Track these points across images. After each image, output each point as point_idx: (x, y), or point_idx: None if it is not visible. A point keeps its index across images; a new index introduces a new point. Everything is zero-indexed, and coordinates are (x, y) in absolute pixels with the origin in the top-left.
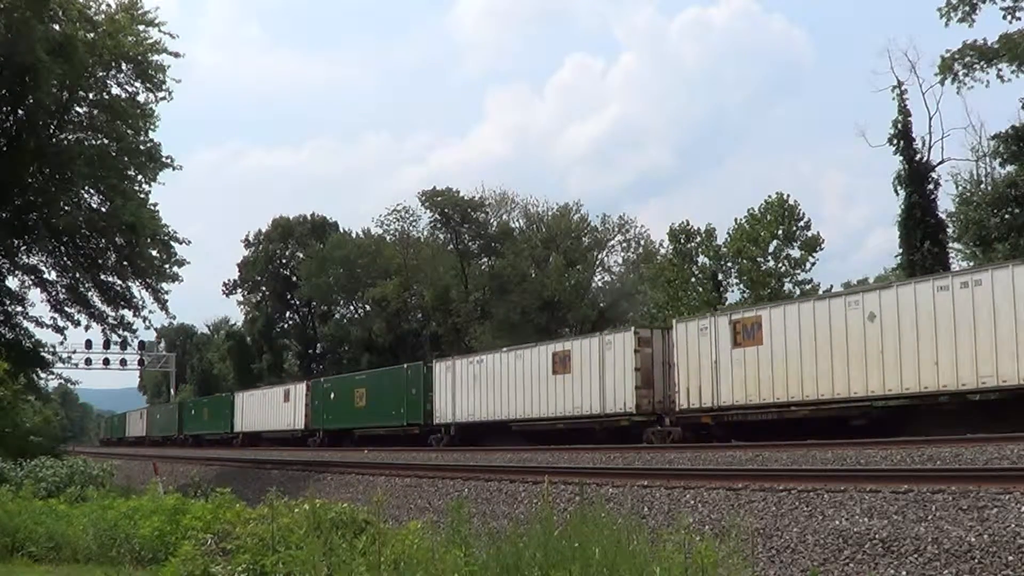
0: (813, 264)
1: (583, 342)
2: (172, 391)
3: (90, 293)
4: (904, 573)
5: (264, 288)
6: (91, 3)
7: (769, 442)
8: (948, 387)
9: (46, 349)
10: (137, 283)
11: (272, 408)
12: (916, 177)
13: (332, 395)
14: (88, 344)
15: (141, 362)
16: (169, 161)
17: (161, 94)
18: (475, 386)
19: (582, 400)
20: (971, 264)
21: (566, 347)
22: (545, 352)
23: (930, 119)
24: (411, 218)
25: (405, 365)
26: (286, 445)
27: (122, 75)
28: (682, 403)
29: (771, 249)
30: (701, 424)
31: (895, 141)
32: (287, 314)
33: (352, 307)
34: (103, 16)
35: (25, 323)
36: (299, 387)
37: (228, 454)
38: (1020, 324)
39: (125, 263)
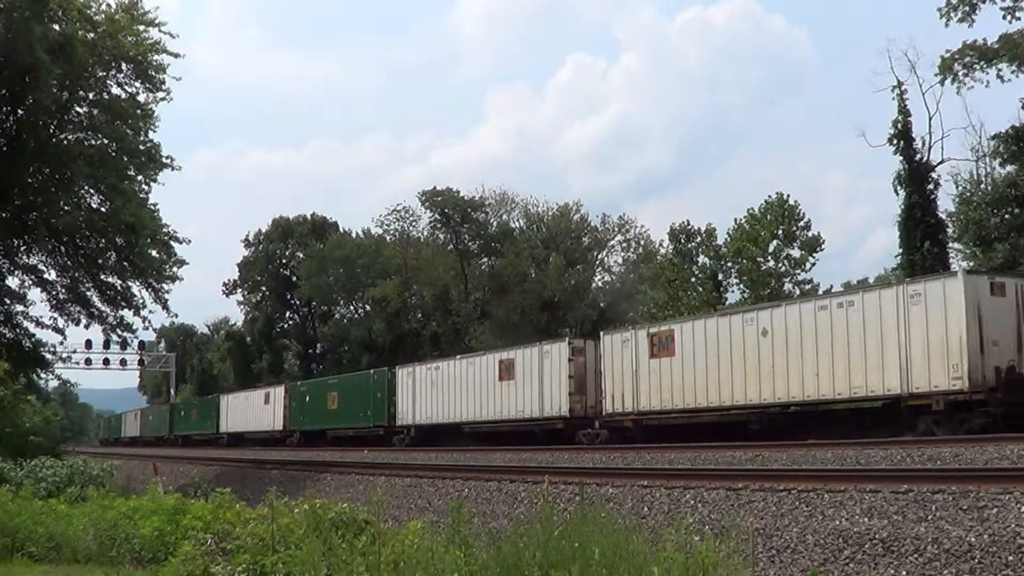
0: (813, 264)
1: (525, 351)
2: (172, 391)
3: (90, 293)
4: (904, 573)
5: (264, 288)
6: (91, 3)
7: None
8: (826, 396)
9: (46, 349)
10: (137, 283)
11: (254, 410)
12: (916, 177)
13: (307, 398)
14: (88, 344)
15: (141, 362)
16: (169, 161)
17: (161, 94)
18: (432, 391)
19: (524, 404)
20: (971, 264)
21: (511, 356)
22: (493, 360)
23: (930, 119)
24: (411, 218)
25: (372, 371)
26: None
27: (122, 75)
28: (608, 408)
29: (771, 249)
30: (624, 427)
31: (895, 141)
32: (287, 314)
33: (352, 307)
34: (103, 16)
35: (25, 323)
36: (278, 390)
37: (228, 454)
38: (885, 342)
39: (125, 263)
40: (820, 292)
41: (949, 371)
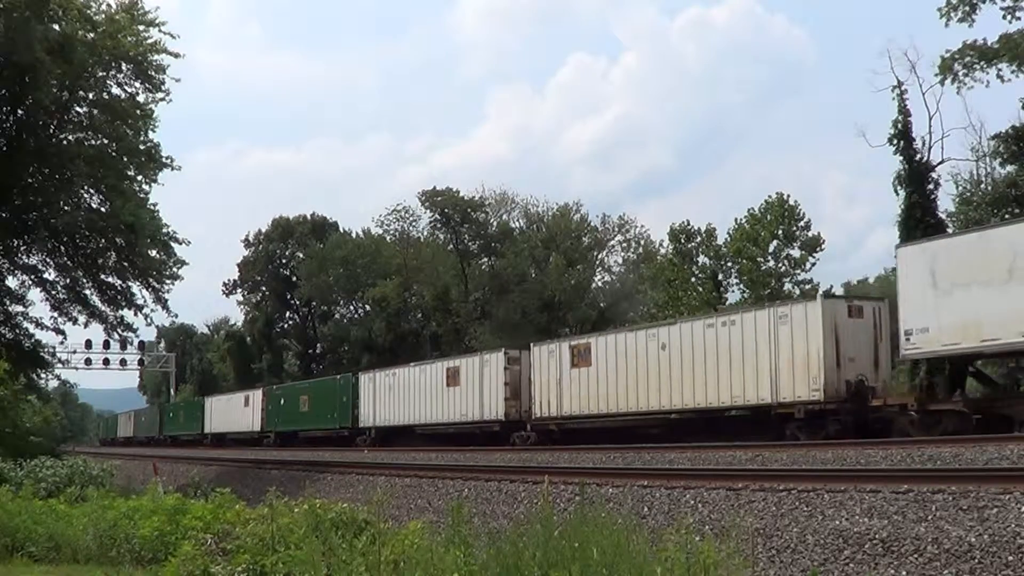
0: (813, 264)
1: (468, 360)
2: (172, 391)
3: (89, 293)
4: (904, 573)
5: (264, 288)
6: (91, 3)
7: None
8: (713, 404)
9: (46, 349)
10: (137, 283)
11: (235, 412)
12: (916, 177)
13: (282, 401)
14: (88, 344)
15: (141, 362)
16: (168, 161)
17: (160, 94)
18: (390, 395)
19: (467, 408)
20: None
21: (456, 364)
22: (441, 368)
23: (930, 119)
24: (411, 218)
25: (339, 376)
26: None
27: (122, 75)
28: (537, 412)
29: (771, 249)
30: (550, 430)
31: (895, 141)
32: (287, 314)
33: (352, 307)
34: (103, 16)
35: (25, 324)
36: (256, 393)
37: (228, 454)
38: (759, 357)
39: (125, 263)
40: (820, 292)
41: (809, 383)
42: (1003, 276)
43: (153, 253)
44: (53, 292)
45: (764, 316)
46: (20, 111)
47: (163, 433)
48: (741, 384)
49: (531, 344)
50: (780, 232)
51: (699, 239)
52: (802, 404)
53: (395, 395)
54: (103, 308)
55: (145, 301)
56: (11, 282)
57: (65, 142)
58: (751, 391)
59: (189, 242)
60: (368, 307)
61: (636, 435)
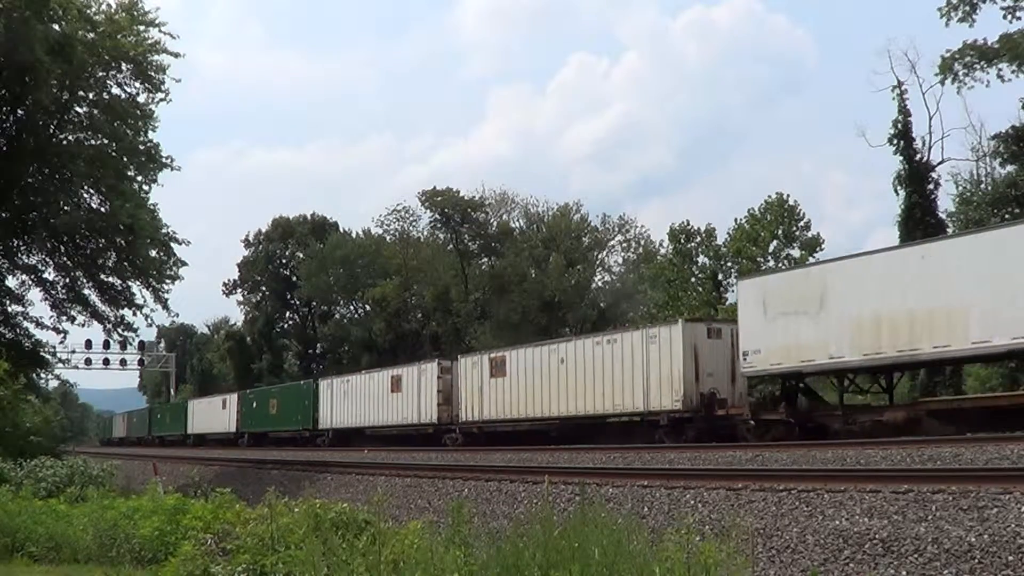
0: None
1: (409, 368)
2: (172, 391)
3: (89, 292)
4: (904, 573)
5: (264, 288)
6: (91, 3)
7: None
8: (600, 412)
9: (46, 349)
10: (137, 283)
11: (214, 414)
12: (916, 177)
13: (254, 404)
14: (88, 344)
15: (141, 362)
16: (168, 161)
17: (160, 95)
18: (345, 400)
19: (407, 412)
20: None
21: (399, 372)
22: (386, 376)
23: (930, 119)
24: (411, 218)
25: (302, 381)
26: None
27: (122, 75)
28: (463, 416)
29: (771, 249)
30: (473, 432)
31: (895, 141)
32: (287, 314)
33: (352, 307)
34: (103, 16)
35: (25, 323)
36: (233, 397)
37: (228, 454)
38: (635, 372)
39: (125, 263)
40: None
41: (672, 395)
42: (816, 307)
43: (153, 253)
44: (53, 292)
45: (639, 336)
46: (20, 111)
47: (152, 434)
48: (621, 395)
49: (459, 356)
50: (780, 232)
51: (699, 239)
52: (666, 413)
53: (349, 400)
54: (103, 308)
55: (145, 301)
56: (11, 282)
57: (65, 142)
58: (628, 401)
59: (189, 242)
60: (368, 307)
61: (544, 437)
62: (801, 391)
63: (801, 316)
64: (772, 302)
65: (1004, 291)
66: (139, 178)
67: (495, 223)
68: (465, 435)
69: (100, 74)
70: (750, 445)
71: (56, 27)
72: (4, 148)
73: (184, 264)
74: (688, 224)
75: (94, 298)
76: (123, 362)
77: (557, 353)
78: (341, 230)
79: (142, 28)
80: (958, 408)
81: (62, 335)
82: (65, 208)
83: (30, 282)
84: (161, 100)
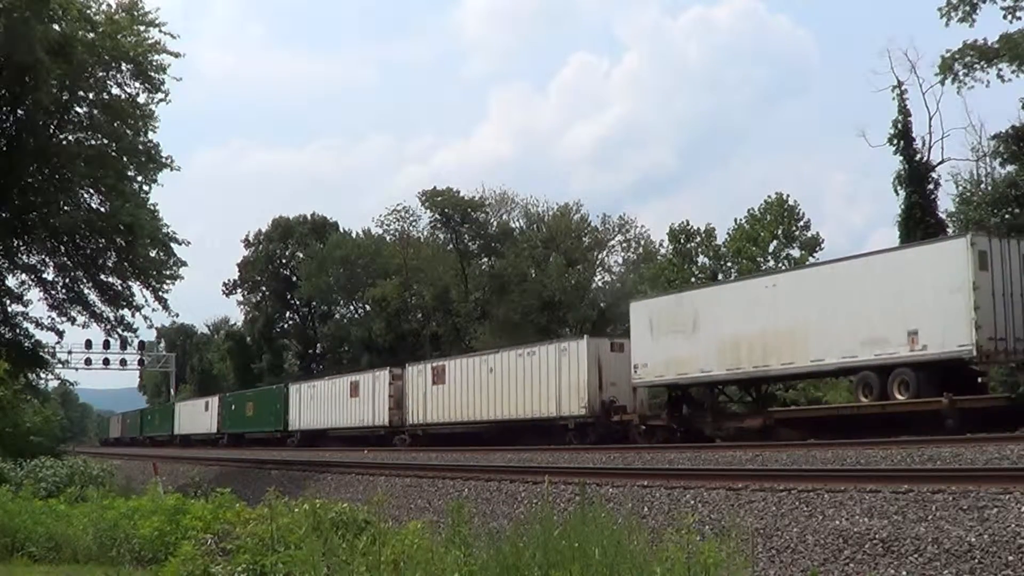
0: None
1: (366, 375)
2: (172, 391)
3: (89, 292)
4: (904, 573)
5: (264, 288)
6: (91, 3)
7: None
8: (521, 416)
9: (45, 349)
10: (137, 283)
11: (198, 415)
12: (916, 177)
13: (233, 406)
14: (88, 344)
15: (141, 362)
16: (168, 161)
17: (160, 95)
18: (311, 404)
19: (364, 415)
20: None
21: (357, 379)
22: (346, 382)
23: (930, 119)
24: (411, 218)
25: (275, 386)
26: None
27: (121, 75)
28: (409, 420)
29: (771, 249)
30: (418, 434)
31: (895, 141)
32: (287, 314)
33: (352, 307)
34: (103, 16)
35: (25, 324)
36: (214, 399)
37: (228, 454)
38: (549, 381)
39: (125, 263)
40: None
41: (579, 402)
42: (691, 328)
43: (153, 253)
44: (53, 292)
45: (553, 349)
46: (20, 111)
47: (143, 434)
48: (538, 401)
49: (407, 364)
50: (780, 232)
51: (699, 239)
52: (573, 418)
53: (315, 404)
54: (103, 308)
55: (146, 301)
56: (11, 281)
57: (65, 142)
58: (544, 407)
59: (188, 242)
60: (368, 307)
61: (478, 438)
62: (684, 400)
63: (679, 335)
64: (657, 322)
65: (834, 317)
66: (139, 178)
67: (495, 223)
68: (412, 436)
69: (100, 74)
70: (751, 445)
71: (56, 27)
72: (4, 148)
73: (184, 264)
74: (688, 224)
75: (94, 298)
76: (123, 362)
77: (487, 363)
78: (341, 230)
79: (142, 28)
80: (803, 416)
81: (61, 335)
82: (65, 208)
83: (30, 282)
84: (161, 100)
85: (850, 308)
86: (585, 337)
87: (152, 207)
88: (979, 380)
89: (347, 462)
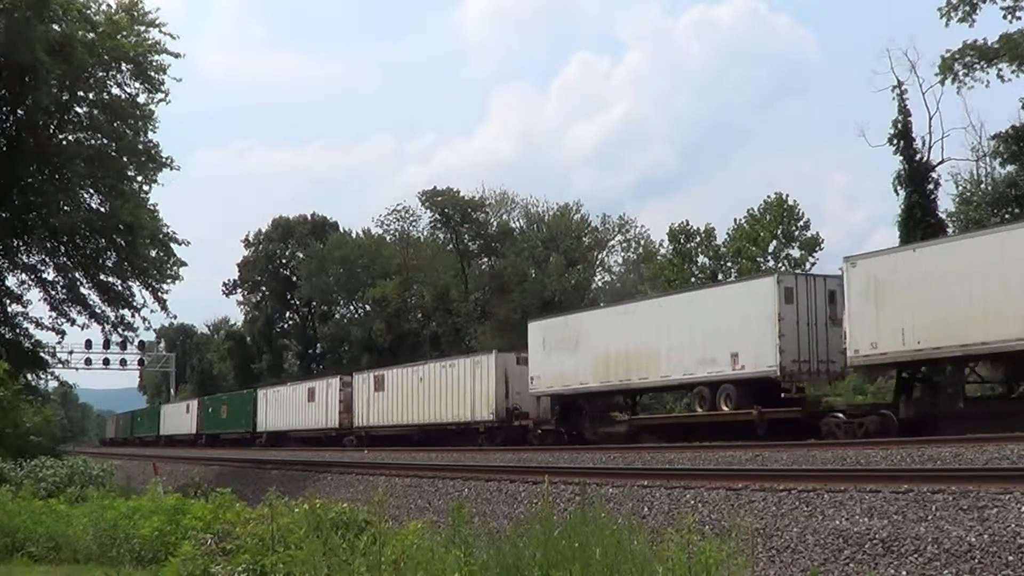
0: (813, 264)
1: (320, 382)
2: (172, 391)
3: (88, 292)
4: (904, 573)
5: (264, 288)
6: (91, 3)
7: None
8: (444, 420)
9: (45, 349)
10: (137, 283)
11: (180, 417)
12: (916, 177)
13: (210, 409)
14: (88, 344)
15: (141, 362)
16: (168, 161)
17: (159, 95)
18: (276, 407)
19: (318, 418)
20: None
21: (313, 385)
22: (304, 388)
23: (930, 119)
24: (411, 218)
25: (245, 391)
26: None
27: (121, 75)
28: (356, 423)
29: (771, 249)
30: (362, 435)
31: (895, 141)
32: (287, 314)
33: (352, 307)
34: (103, 17)
35: (25, 324)
36: (194, 402)
37: (228, 454)
38: (466, 390)
39: (125, 263)
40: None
41: (488, 409)
42: (574, 346)
43: (153, 253)
44: (52, 292)
45: (469, 363)
46: (20, 111)
47: (133, 435)
48: (456, 407)
49: (354, 373)
50: (779, 232)
51: (698, 239)
52: (484, 422)
53: (279, 407)
54: (103, 308)
55: (145, 302)
56: (11, 281)
57: (65, 142)
58: (461, 412)
59: (188, 242)
60: (368, 307)
61: (409, 440)
62: (572, 407)
63: (565, 352)
64: (548, 341)
65: (678, 340)
66: (139, 178)
67: (495, 223)
68: (358, 438)
69: (100, 74)
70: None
71: (56, 27)
72: (4, 148)
73: (184, 264)
74: (688, 224)
75: (94, 298)
76: (123, 362)
77: (418, 374)
78: (341, 230)
79: (142, 28)
80: (656, 423)
81: (62, 335)
82: (65, 208)
83: (30, 282)
84: (161, 100)
85: (690, 333)
86: (494, 352)
87: (152, 207)
88: (782, 395)
89: (347, 462)
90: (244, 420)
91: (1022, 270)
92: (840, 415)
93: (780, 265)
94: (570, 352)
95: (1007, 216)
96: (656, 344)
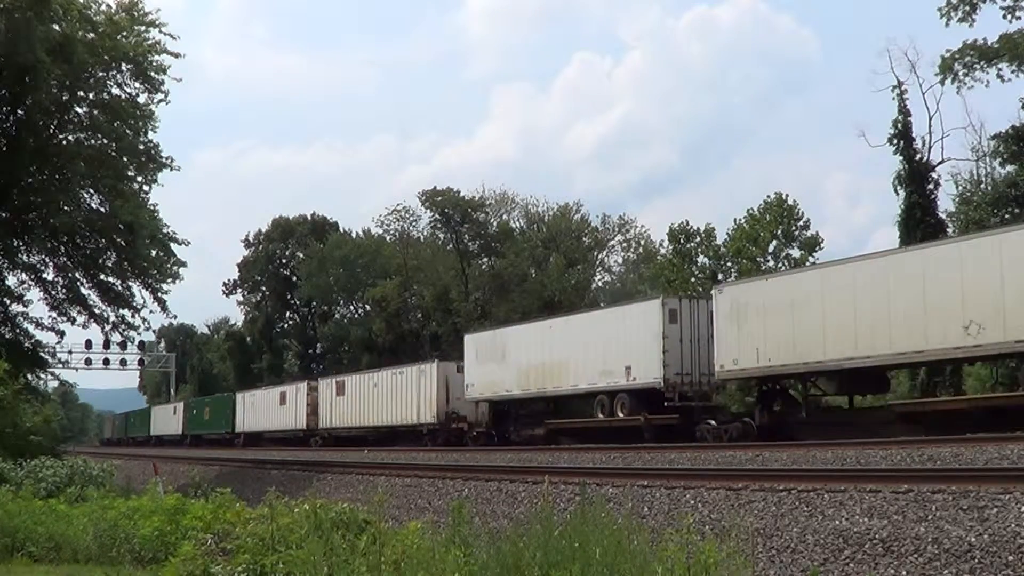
0: (813, 264)
1: (290, 387)
2: (172, 391)
3: (88, 292)
4: (904, 573)
5: (264, 288)
6: (91, 3)
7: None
8: (395, 423)
9: (45, 349)
10: (137, 283)
11: (168, 419)
12: (916, 177)
13: (194, 411)
14: (88, 344)
15: (141, 362)
16: (168, 161)
17: (159, 96)
18: (252, 410)
19: (288, 420)
20: None
21: (284, 389)
22: (277, 392)
23: (930, 119)
24: (411, 218)
25: (226, 394)
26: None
27: (121, 75)
28: (322, 424)
29: (771, 249)
30: (325, 436)
31: (895, 141)
32: (287, 314)
33: (352, 307)
34: (103, 17)
35: (25, 324)
36: (180, 405)
37: (228, 454)
38: (411, 396)
39: (125, 263)
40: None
41: (431, 412)
42: (501, 358)
43: (153, 253)
44: (52, 292)
45: (415, 371)
46: (20, 111)
47: (127, 435)
48: (405, 411)
49: (319, 378)
50: (779, 232)
51: (698, 239)
52: (427, 425)
53: (255, 410)
54: (103, 307)
55: (145, 301)
56: (11, 281)
57: (65, 142)
58: (408, 416)
59: (188, 242)
60: (368, 307)
61: (365, 440)
62: (504, 411)
63: (494, 363)
64: (480, 352)
65: (585, 353)
66: (139, 178)
67: (495, 223)
68: (322, 438)
69: (100, 74)
70: (750, 445)
71: (56, 27)
72: (4, 148)
73: (183, 264)
74: (687, 224)
75: (94, 298)
76: (123, 362)
77: (372, 380)
78: (341, 230)
79: (142, 28)
80: (566, 428)
81: (61, 335)
82: (65, 208)
83: (30, 282)
84: (161, 100)
85: (594, 348)
86: (436, 361)
87: (152, 207)
88: (665, 403)
89: (347, 462)
90: (224, 422)
91: (842, 300)
92: (712, 423)
93: (780, 265)
94: (498, 363)
95: (1007, 216)
96: (567, 357)
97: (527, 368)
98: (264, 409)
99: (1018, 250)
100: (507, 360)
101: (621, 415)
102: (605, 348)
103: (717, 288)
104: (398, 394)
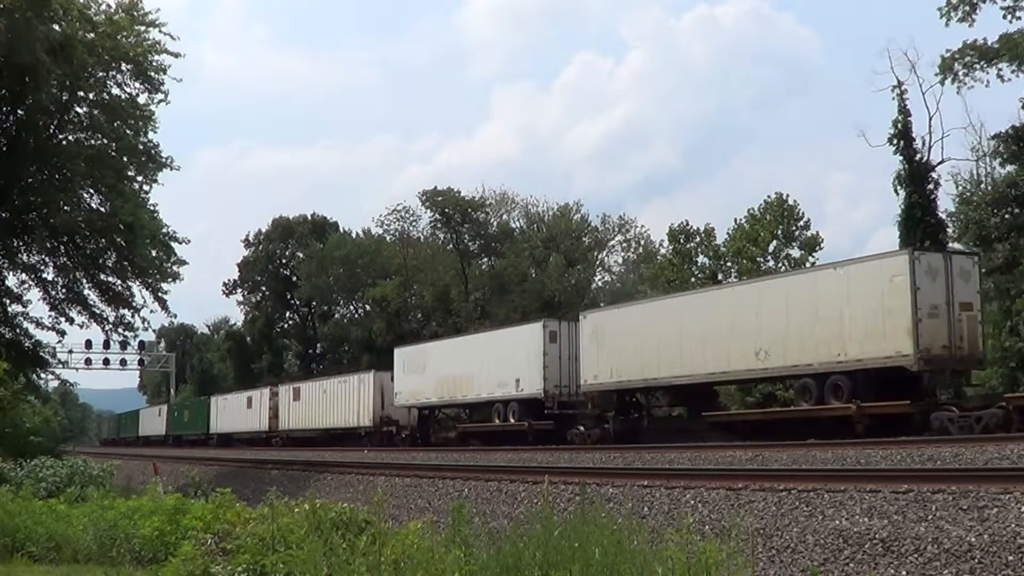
0: (813, 264)
1: (255, 392)
2: (172, 391)
3: (89, 292)
4: (904, 573)
5: (264, 288)
6: (91, 3)
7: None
8: (339, 425)
9: (45, 349)
10: (137, 283)
11: (153, 420)
12: (916, 177)
13: (175, 413)
14: (88, 344)
15: (141, 362)
16: (168, 161)
17: (159, 96)
18: (224, 412)
19: (253, 423)
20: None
21: (251, 394)
22: (244, 396)
23: (930, 119)
24: (411, 218)
25: (202, 397)
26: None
27: (121, 76)
28: (282, 426)
29: (771, 249)
30: (283, 437)
31: (895, 141)
32: (287, 314)
33: (352, 307)
34: (103, 17)
35: (25, 324)
36: (164, 407)
37: (228, 454)
38: (352, 401)
39: (125, 263)
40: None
41: (367, 417)
42: (423, 369)
43: (153, 253)
44: (52, 292)
45: (356, 379)
46: (20, 111)
47: (119, 435)
48: (347, 415)
49: (279, 384)
50: (779, 232)
51: (698, 239)
52: (364, 428)
53: (227, 413)
54: (103, 307)
55: (145, 301)
56: (11, 281)
57: (65, 142)
58: (350, 419)
59: (188, 241)
60: (368, 307)
61: (315, 441)
62: (427, 416)
63: (417, 374)
64: (406, 364)
65: (486, 367)
66: (139, 178)
67: (495, 223)
68: (283, 439)
69: (100, 74)
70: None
71: (56, 27)
72: (4, 148)
73: (184, 264)
74: (687, 224)
75: (94, 298)
76: (123, 362)
77: (322, 387)
78: (341, 230)
79: (142, 28)
80: (471, 431)
81: (62, 335)
82: (65, 208)
83: (30, 282)
84: (161, 101)
85: (491, 363)
86: (372, 371)
87: (152, 207)
88: (545, 411)
89: (347, 462)
90: (201, 423)
91: (671, 327)
92: (581, 428)
93: (780, 265)
94: (420, 374)
95: (1007, 216)
96: (474, 370)
97: (443, 379)
98: (234, 412)
99: (803, 292)
100: (427, 372)
101: (512, 420)
102: (501, 363)
103: (583, 314)
104: (342, 400)
